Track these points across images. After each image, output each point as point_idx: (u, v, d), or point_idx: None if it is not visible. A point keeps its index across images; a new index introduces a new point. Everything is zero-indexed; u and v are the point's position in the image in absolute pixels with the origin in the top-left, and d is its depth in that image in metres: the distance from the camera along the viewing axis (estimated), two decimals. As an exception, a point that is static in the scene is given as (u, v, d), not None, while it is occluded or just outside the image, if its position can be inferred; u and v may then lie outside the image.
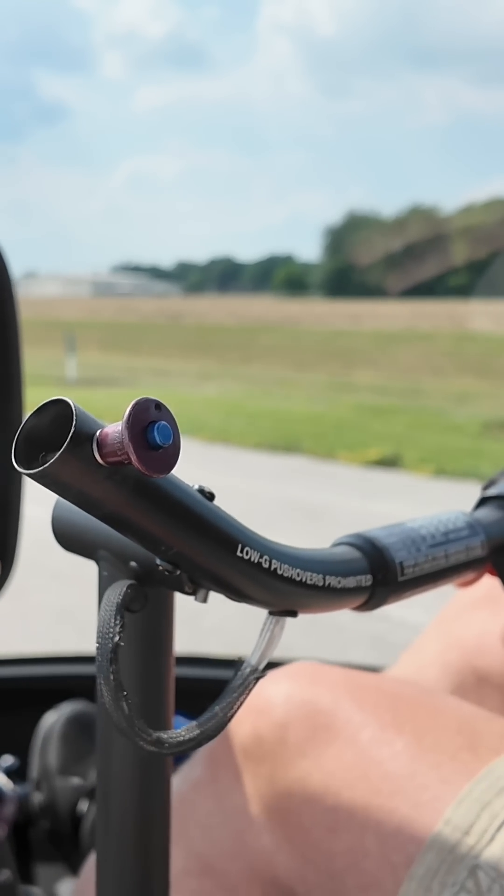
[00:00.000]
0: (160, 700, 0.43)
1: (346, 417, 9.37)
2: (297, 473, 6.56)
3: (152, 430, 0.31)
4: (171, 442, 0.32)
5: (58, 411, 0.32)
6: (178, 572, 0.37)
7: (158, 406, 0.32)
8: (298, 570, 0.39)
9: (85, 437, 0.31)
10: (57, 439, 0.31)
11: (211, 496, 0.37)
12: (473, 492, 0.61)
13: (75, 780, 0.93)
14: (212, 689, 0.69)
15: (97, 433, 0.32)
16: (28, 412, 0.34)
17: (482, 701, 0.72)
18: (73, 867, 0.94)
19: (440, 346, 20.10)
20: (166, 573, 0.37)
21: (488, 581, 0.60)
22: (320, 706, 0.62)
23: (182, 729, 0.38)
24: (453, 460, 6.97)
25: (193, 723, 0.38)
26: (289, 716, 0.62)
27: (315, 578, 0.40)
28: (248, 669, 0.39)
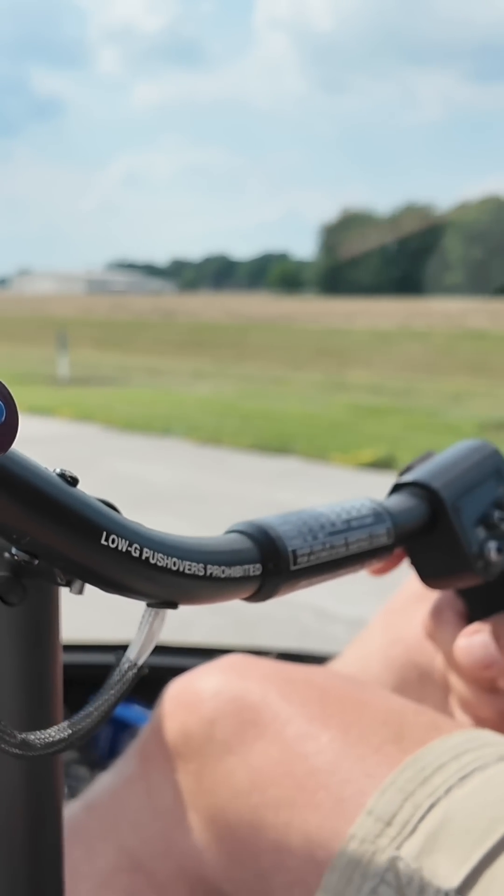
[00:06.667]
0: (45, 698, 0.39)
1: (340, 418, 9.27)
2: (289, 476, 6.46)
3: None
4: (3, 419, 0.30)
5: None
6: (36, 562, 0.35)
7: None
8: (175, 560, 0.37)
9: None
10: None
11: (73, 481, 0.34)
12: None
13: None
14: (170, 678, 0.66)
15: None
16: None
17: (424, 697, 0.69)
18: None
19: (435, 344, 20.02)
20: (23, 563, 0.35)
21: None
22: (249, 701, 0.61)
23: (53, 728, 0.36)
24: (449, 462, 6.87)
25: (65, 722, 0.36)
26: (217, 711, 0.61)
27: (195, 568, 0.38)
28: (126, 665, 0.38)
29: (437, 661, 0.69)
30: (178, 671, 0.68)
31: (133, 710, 0.99)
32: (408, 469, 0.60)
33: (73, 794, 0.91)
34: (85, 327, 24.31)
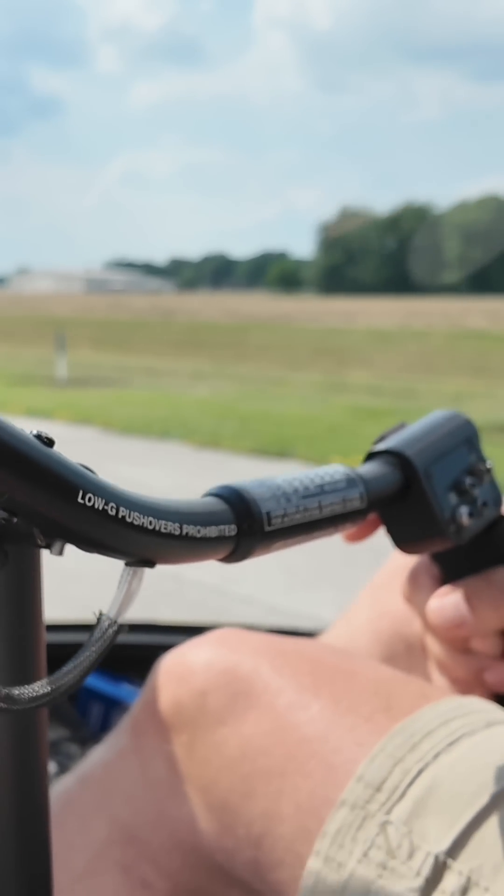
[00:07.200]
0: (28, 657, 0.41)
1: (340, 420, 9.23)
2: (289, 480, 6.41)
3: None
4: None
5: None
6: (16, 520, 0.36)
7: None
8: (151, 519, 0.38)
9: None
10: None
11: (50, 442, 0.35)
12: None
13: None
14: (159, 656, 0.68)
15: None
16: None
17: (412, 668, 0.70)
18: None
19: (435, 344, 20.00)
20: (3, 522, 0.36)
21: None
22: (240, 673, 0.62)
23: (36, 683, 0.37)
24: (449, 466, 6.82)
25: (47, 678, 0.38)
26: (209, 683, 0.62)
27: (171, 527, 0.40)
28: (106, 623, 0.39)
29: (418, 627, 0.70)
30: (166, 649, 0.68)
31: (123, 688, 0.98)
32: (381, 438, 0.61)
33: (65, 771, 0.92)
34: (84, 327, 24.29)
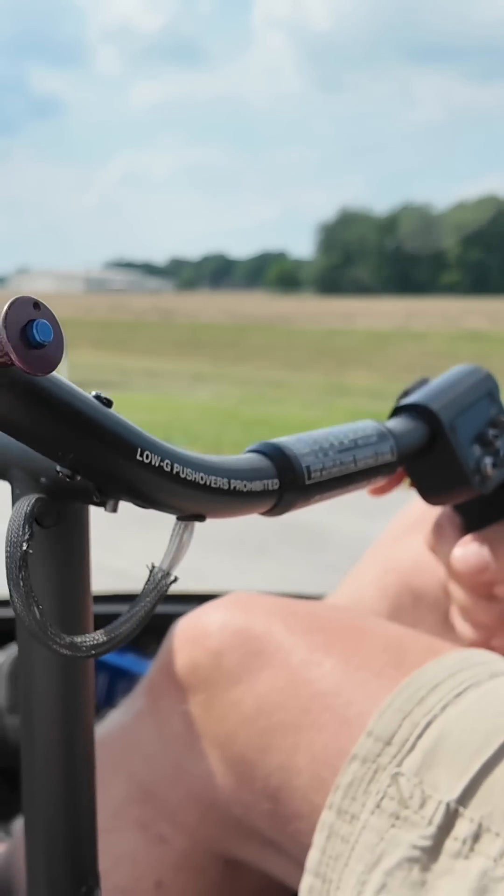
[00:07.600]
0: (77, 611, 0.43)
1: (341, 424, 9.25)
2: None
3: (31, 328, 0.31)
4: (52, 339, 0.32)
5: None
6: (79, 478, 0.37)
7: (37, 305, 0.32)
8: (202, 474, 0.40)
9: None
10: None
11: (108, 403, 0.37)
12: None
13: None
14: (165, 625, 0.69)
15: None
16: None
17: (418, 620, 0.73)
18: None
19: (434, 345, 20.03)
20: (67, 479, 0.38)
21: (424, 506, 0.63)
22: (254, 633, 0.63)
23: (97, 633, 0.39)
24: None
25: (105, 628, 0.39)
26: (223, 643, 0.64)
27: (220, 482, 0.41)
28: (160, 574, 0.40)
29: (432, 581, 0.72)
30: (173, 618, 0.70)
31: (128, 658, 1.00)
32: (406, 393, 0.63)
33: None
34: (84, 327, 24.28)
